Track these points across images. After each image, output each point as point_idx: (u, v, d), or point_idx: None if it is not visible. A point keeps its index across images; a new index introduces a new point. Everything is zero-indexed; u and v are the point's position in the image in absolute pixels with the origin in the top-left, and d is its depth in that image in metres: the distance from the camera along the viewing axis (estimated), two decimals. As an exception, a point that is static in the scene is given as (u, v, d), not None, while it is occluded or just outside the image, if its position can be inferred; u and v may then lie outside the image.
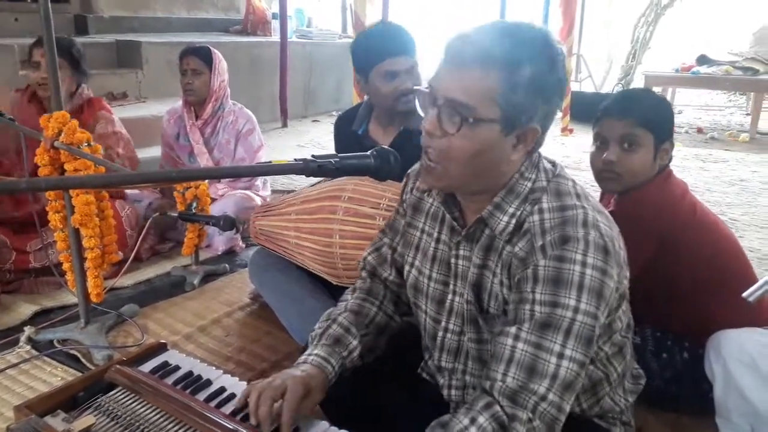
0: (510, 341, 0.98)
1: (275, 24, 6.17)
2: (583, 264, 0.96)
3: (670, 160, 1.68)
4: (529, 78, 0.96)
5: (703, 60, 6.32)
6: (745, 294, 0.97)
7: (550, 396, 0.94)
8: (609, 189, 1.72)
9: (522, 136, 1.02)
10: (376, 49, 1.94)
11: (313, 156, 1.08)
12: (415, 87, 1.87)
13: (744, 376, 1.46)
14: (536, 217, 1.03)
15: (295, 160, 1.06)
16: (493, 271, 1.08)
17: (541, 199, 1.04)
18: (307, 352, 1.17)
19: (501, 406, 0.96)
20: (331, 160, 1.08)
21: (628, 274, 1.10)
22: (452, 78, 0.99)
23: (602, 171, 1.67)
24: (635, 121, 1.60)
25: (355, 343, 1.20)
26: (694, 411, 1.67)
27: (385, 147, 1.12)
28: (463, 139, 0.99)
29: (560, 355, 0.95)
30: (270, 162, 1.05)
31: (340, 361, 1.17)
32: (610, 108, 1.66)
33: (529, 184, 1.06)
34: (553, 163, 1.11)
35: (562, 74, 1.02)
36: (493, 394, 0.97)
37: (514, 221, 1.05)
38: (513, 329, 0.98)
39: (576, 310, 0.95)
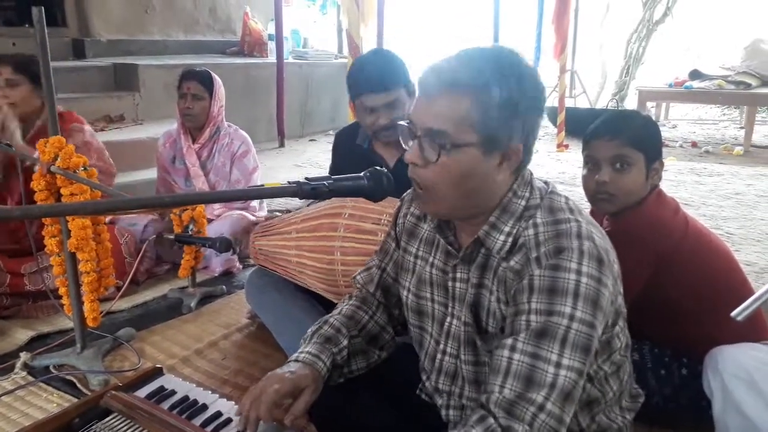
0: (506, 353, 0.97)
1: (272, 45, 6.23)
2: (578, 272, 0.96)
3: (659, 179, 1.69)
4: (499, 99, 0.98)
5: (695, 75, 6.37)
6: (733, 313, 0.97)
7: (549, 406, 0.92)
8: (604, 210, 1.72)
9: (505, 155, 1.03)
10: (355, 83, 1.98)
11: (306, 178, 1.09)
12: (398, 121, 1.90)
13: (742, 392, 1.45)
14: (531, 231, 1.04)
15: (289, 182, 1.07)
16: (490, 289, 1.09)
17: (535, 215, 1.05)
18: (298, 351, 1.19)
19: (495, 418, 0.94)
20: (325, 182, 1.08)
21: (621, 289, 1.11)
22: (426, 108, 1.02)
23: (596, 193, 1.67)
24: (625, 141, 1.61)
25: (345, 342, 1.23)
26: (693, 428, 1.66)
27: (378, 168, 1.13)
28: (444, 166, 1.01)
29: (558, 365, 0.94)
30: (263, 185, 1.05)
31: (331, 357, 1.19)
32: (599, 129, 1.66)
33: (523, 203, 1.07)
34: (546, 182, 1.13)
35: (535, 90, 1.03)
36: (489, 406, 0.96)
37: (510, 239, 1.06)
38: (509, 340, 0.98)
39: (571, 317, 0.95)
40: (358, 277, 1.37)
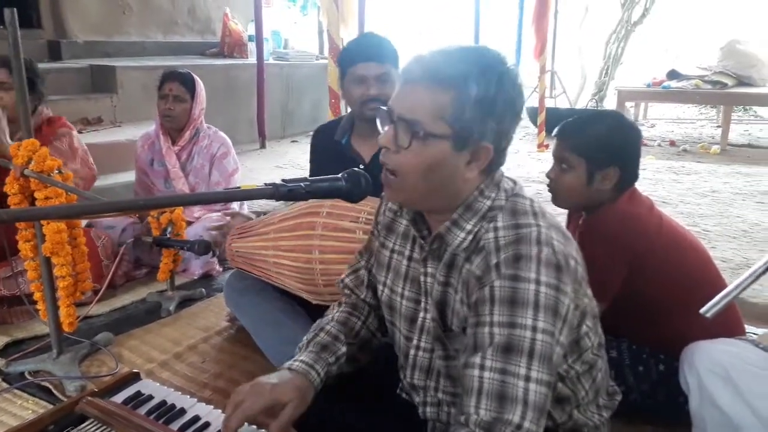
0: (477, 372, 0.97)
1: (252, 46, 6.20)
2: (537, 282, 0.97)
3: (629, 182, 1.71)
4: (476, 96, 0.99)
5: (673, 74, 6.46)
6: (702, 310, 0.97)
7: (526, 424, 0.93)
8: (553, 202, 1.81)
9: (474, 154, 1.04)
10: (350, 53, 2.00)
11: (283, 180, 1.08)
12: (387, 96, 1.90)
13: (718, 387, 1.47)
14: (491, 235, 1.04)
15: (265, 184, 1.06)
16: (455, 288, 1.09)
17: (497, 217, 1.06)
18: (293, 359, 1.17)
19: None
20: (301, 183, 1.07)
21: (589, 291, 1.11)
22: (405, 96, 1.04)
23: (547, 185, 1.79)
24: (568, 145, 1.70)
25: (343, 349, 1.21)
26: (671, 424, 1.68)
27: (357, 169, 1.13)
28: (415, 154, 1.02)
29: (527, 378, 0.94)
30: (239, 187, 1.04)
31: (326, 368, 1.17)
32: (558, 129, 1.76)
33: (489, 203, 1.07)
34: (514, 182, 1.13)
35: (513, 93, 1.03)
36: (470, 426, 0.96)
37: (470, 237, 1.06)
38: (477, 359, 0.98)
39: (534, 329, 0.95)
40: (347, 281, 1.36)
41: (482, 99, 0.99)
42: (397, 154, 1.04)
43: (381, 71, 1.94)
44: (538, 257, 0.98)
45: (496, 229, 1.04)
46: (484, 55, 1.03)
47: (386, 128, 1.06)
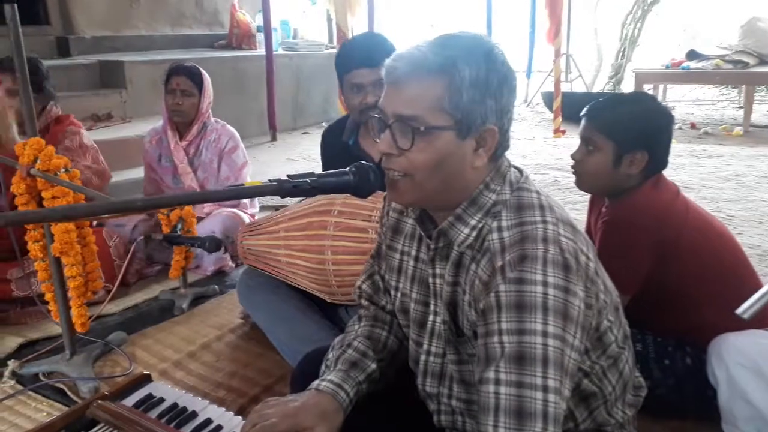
0: (492, 388, 0.92)
1: (260, 37, 6.16)
2: (545, 284, 0.91)
3: (657, 168, 1.64)
4: (469, 78, 0.95)
5: (692, 55, 6.29)
6: (738, 311, 0.90)
7: None
8: (577, 186, 1.76)
9: (480, 139, 1.00)
10: (345, 60, 1.95)
11: (288, 176, 1.04)
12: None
13: (747, 380, 1.43)
14: (495, 235, 0.99)
15: (270, 180, 1.02)
16: (464, 289, 1.05)
17: (501, 214, 1.01)
18: (319, 378, 1.12)
19: None
20: (307, 179, 1.03)
21: (608, 283, 1.06)
22: (395, 95, 0.99)
23: (572, 167, 1.73)
24: (596, 126, 1.64)
25: (373, 366, 1.16)
26: (699, 418, 1.62)
27: (365, 163, 1.08)
28: (420, 152, 0.98)
29: (544, 388, 0.89)
30: (242, 185, 1.00)
31: (356, 387, 1.12)
32: (587, 109, 1.69)
33: (494, 197, 1.03)
34: (521, 172, 1.08)
35: (504, 69, 0.99)
36: None
37: (474, 233, 1.02)
38: (491, 373, 0.92)
39: (545, 334, 0.90)
40: (364, 287, 1.31)
41: (476, 79, 0.96)
42: (400, 157, 0.99)
43: (377, 76, 1.86)
44: (544, 257, 0.92)
45: (500, 229, 0.99)
46: (464, 38, 1.00)
47: (383, 134, 1.01)
